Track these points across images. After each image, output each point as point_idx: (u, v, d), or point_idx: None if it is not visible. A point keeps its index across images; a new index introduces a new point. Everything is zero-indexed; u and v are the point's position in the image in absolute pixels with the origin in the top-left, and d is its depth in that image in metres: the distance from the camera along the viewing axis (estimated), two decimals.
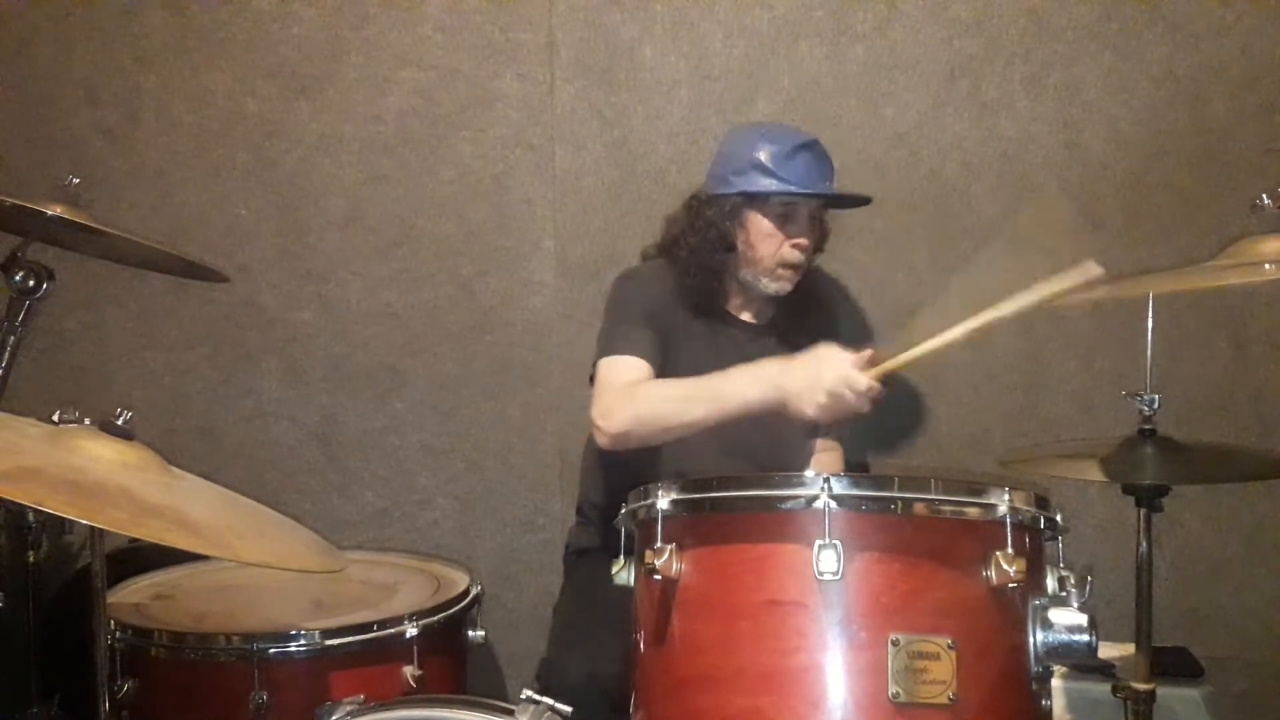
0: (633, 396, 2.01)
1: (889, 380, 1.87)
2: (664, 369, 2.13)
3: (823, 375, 1.84)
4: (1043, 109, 2.60)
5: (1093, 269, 1.68)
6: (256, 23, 2.75)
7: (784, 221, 2.14)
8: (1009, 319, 1.74)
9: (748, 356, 2.16)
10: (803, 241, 2.14)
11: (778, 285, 2.17)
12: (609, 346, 2.11)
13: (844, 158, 2.58)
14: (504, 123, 2.73)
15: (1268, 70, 2.53)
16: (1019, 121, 2.61)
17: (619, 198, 2.71)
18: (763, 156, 2.13)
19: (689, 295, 2.20)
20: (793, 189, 2.12)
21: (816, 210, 2.17)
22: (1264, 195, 1.84)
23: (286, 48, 2.75)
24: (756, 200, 2.14)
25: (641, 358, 2.06)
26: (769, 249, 2.15)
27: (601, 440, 2.00)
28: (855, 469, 2.48)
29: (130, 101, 2.78)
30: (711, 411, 1.92)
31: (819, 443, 2.34)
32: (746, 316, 2.25)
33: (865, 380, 1.83)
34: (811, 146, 2.15)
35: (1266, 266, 1.74)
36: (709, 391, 1.94)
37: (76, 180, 2.08)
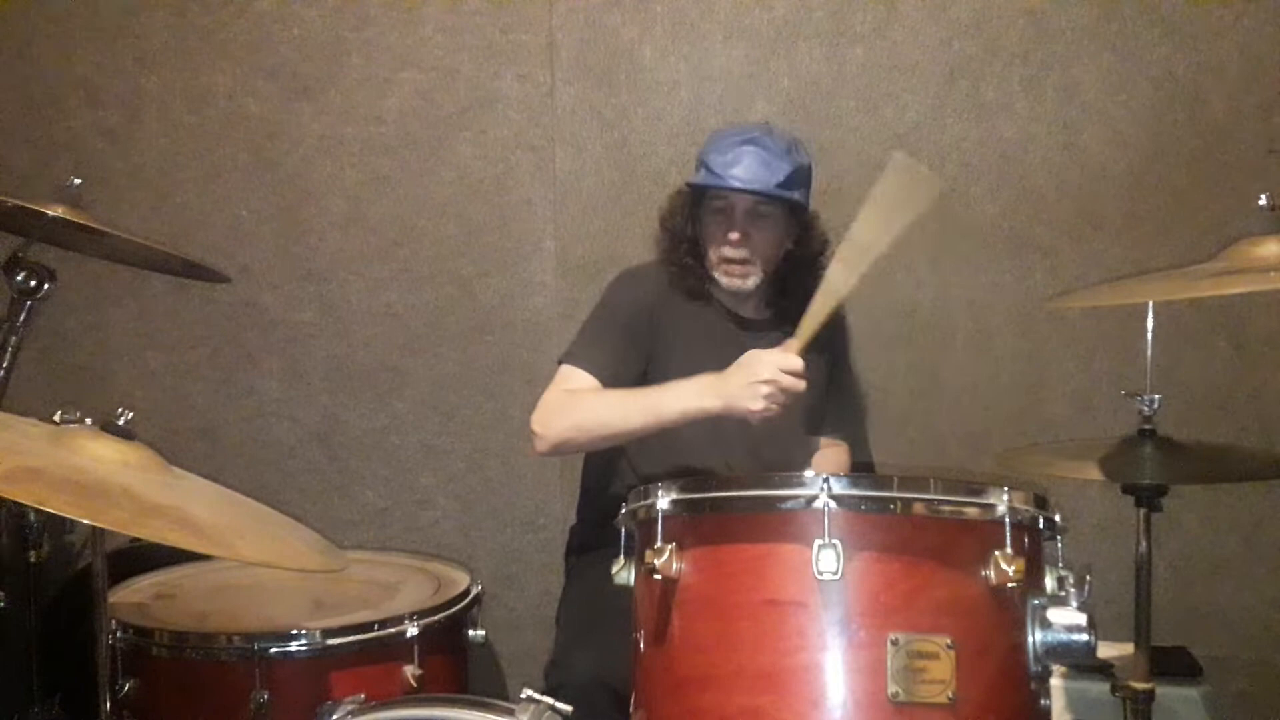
0: (572, 406, 2.06)
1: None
2: (655, 368, 2.14)
3: (756, 370, 1.90)
4: (1042, 110, 2.60)
5: (899, 158, 1.88)
6: (257, 24, 2.75)
7: (721, 216, 2.15)
8: (868, 238, 1.90)
9: (745, 350, 2.17)
10: (734, 236, 2.14)
11: (726, 280, 2.17)
12: (571, 354, 2.14)
13: (843, 159, 2.60)
14: (504, 124, 2.73)
15: (1267, 71, 2.53)
16: (1018, 122, 2.61)
17: (619, 199, 2.71)
18: (708, 153, 2.15)
19: (679, 289, 2.21)
20: (712, 182, 2.12)
21: (754, 206, 2.15)
22: (1263, 195, 1.84)
23: (287, 49, 2.76)
24: (700, 195, 2.17)
25: (595, 376, 2.08)
26: (713, 244, 2.17)
27: (539, 446, 2.05)
28: (860, 469, 2.48)
29: (131, 102, 2.79)
30: (649, 420, 1.99)
31: (823, 440, 2.34)
32: (745, 312, 2.26)
33: (796, 358, 1.90)
34: (758, 142, 2.12)
35: (1271, 274, 1.74)
36: (647, 402, 2.00)
37: (78, 181, 2.09)
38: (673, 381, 2.00)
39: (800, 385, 1.90)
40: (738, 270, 2.16)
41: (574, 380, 2.09)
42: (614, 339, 2.15)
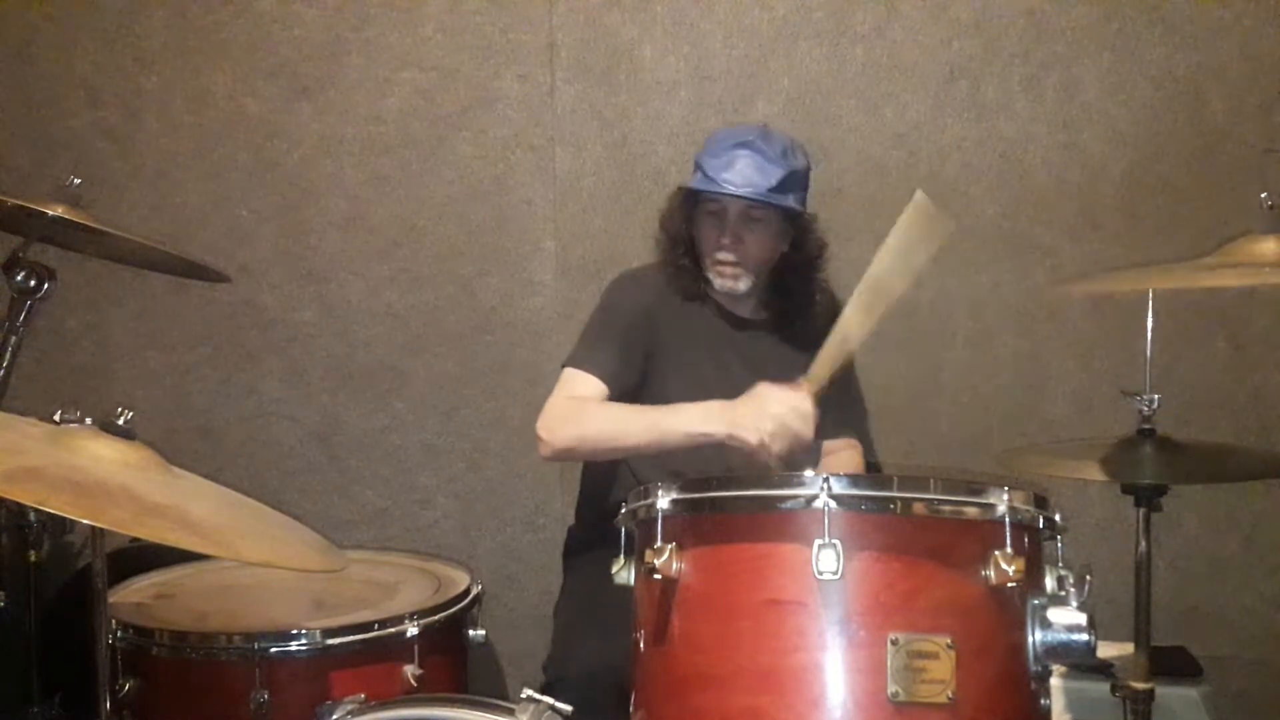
0: (579, 415, 2.05)
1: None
2: (654, 368, 2.14)
3: (767, 407, 1.88)
4: (1042, 110, 2.60)
5: (920, 198, 1.85)
6: (257, 23, 2.75)
7: (714, 220, 2.15)
8: (887, 279, 1.87)
9: (743, 351, 2.18)
10: (725, 240, 2.13)
11: (720, 282, 2.17)
12: (574, 358, 2.13)
13: (844, 158, 2.61)
14: (504, 124, 2.73)
15: (1266, 70, 2.53)
16: (1018, 122, 2.61)
17: (619, 198, 2.71)
18: (703, 156, 2.14)
19: (676, 289, 2.21)
20: (704, 187, 2.11)
21: (747, 210, 2.13)
22: (1264, 194, 1.84)
23: (287, 48, 2.76)
24: (694, 198, 2.17)
25: (600, 378, 2.07)
26: (708, 246, 2.16)
27: (543, 451, 2.04)
28: (867, 469, 2.47)
29: (131, 102, 2.79)
30: (653, 439, 1.97)
31: (833, 443, 2.33)
32: (744, 312, 2.26)
33: (809, 403, 1.89)
34: (752, 146, 2.10)
35: (1266, 269, 1.74)
36: (653, 421, 1.98)
37: (78, 180, 2.08)
38: (680, 404, 1.99)
39: (807, 433, 1.88)
40: (729, 272, 2.16)
41: (578, 384, 2.08)
42: (616, 341, 2.14)
